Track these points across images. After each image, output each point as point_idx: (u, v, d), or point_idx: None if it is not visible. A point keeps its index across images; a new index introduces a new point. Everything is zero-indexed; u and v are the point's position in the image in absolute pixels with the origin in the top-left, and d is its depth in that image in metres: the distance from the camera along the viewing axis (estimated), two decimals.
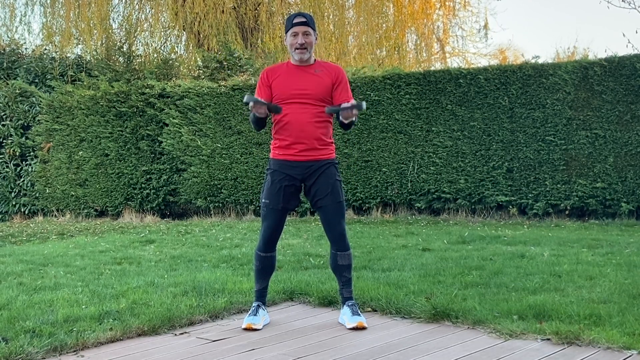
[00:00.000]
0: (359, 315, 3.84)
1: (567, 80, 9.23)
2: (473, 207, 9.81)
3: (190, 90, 11.19)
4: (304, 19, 3.81)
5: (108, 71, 12.75)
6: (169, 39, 16.17)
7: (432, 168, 9.93)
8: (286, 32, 3.86)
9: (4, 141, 12.94)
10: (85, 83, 12.57)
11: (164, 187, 11.43)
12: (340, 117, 3.76)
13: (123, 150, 11.60)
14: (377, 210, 10.24)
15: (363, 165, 10.28)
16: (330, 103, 3.86)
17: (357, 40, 16.22)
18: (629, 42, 30.00)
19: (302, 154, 3.82)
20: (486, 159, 9.67)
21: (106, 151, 11.69)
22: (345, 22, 15.50)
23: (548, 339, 3.40)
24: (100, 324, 3.77)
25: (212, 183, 10.99)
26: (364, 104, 3.71)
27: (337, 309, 4.16)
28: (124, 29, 15.14)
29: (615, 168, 9.02)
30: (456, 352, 3.31)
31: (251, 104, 3.66)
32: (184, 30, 15.50)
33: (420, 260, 5.69)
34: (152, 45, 15.53)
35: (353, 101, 3.76)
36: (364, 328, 3.76)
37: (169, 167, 11.39)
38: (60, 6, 14.69)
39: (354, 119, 3.78)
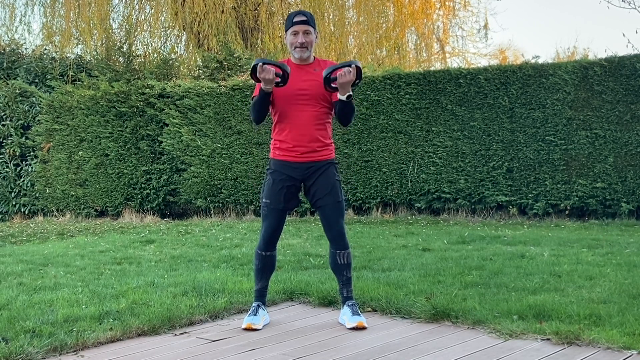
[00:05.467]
0: (359, 315, 3.84)
1: (567, 80, 9.23)
2: (473, 207, 9.81)
3: (190, 90, 11.19)
4: (304, 18, 3.81)
5: (108, 71, 12.74)
6: (169, 39, 16.19)
7: (432, 168, 9.93)
8: (286, 31, 3.85)
9: (4, 141, 12.93)
10: (85, 83, 12.56)
11: (164, 187, 11.43)
12: (339, 94, 3.69)
13: (123, 150, 11.60)
14: (377, 210, 10.24)
15: (363, 165, 10.28)
16: (329, 102, 3.86)
17: (357, 40, 16.21)
18: (629, 42, 30.01)
19: (302, 156, 3.82)
20: (486, 159, 9.67)
21: (106, 151, 11.69)
22: (345, 22, 15.49)
23: (548, 339, 3.40)
24: (100, 324, 3.77)
25: (212, 183, 10.99)
26: (355, 63, 3.63)
27: (337, 309, 4.16)
28: (124, 29, 15.12)
29: (615, 168, 9.02)
30: (456, 352, 3.31)
31: (260, 65, 3.57)
32: (184, 30, 15.50)
33: (420, 260, 5.69)
34: (152, 45, 15.53)
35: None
36: (364, 328, 3.75)
37: (169, 167, 11.39)
38: (60, 6, 14.69)
39: (351, 94, 3.69)
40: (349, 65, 3.64)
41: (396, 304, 4.07)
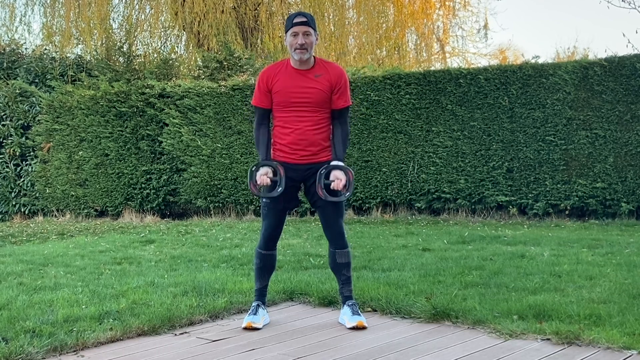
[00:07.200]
0: (359, 315, 3.84)
1: (567, 80, 9.23)
2: (473, 207, 9.81)
3: (190, 90, 11.19)
4: (304, 19, 3.79)
5: (108, 71, 12.74)
6: (169, 39, 16.19)
7: (432, 168, 9.93)
8: (286, 32, 3.84)
9: (4, 141, 12.93)
10: (85, 83, 12.56)
11: (164, 187, 11.43)
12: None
13: (123, 150, 11.59)
14: (377, 210, 10.24)
15: (363, 165, 10.28)
16: (329, 108, 3.86)
17: (357, 40, 16.21)
18: (629, 42, 29.97)
19: (302, 159, 3.84)
20: (486, 159, 9.67)
21: (106, 151, 11.69)
22: (345, 22, 15.49)
23: (548, 339, 3.40)
24: (100, 324, 3.77)
25: (212, 183, 10.99)
26: (344, 196, 3.77)
27: (337, 309, 4.16)
28: (124, 29, 15.13)
29: (615, 168, 9.02)
30: (456, 352, 3.31)
31: (252, 185, 3.82)
32: (184, 30, 15.50)
33: (420, 260, 5.69)
34: (152, 45, 15.54)
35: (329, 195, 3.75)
36: (364, 328, 3.76)
37: (169, 167, 11.39)
38: (60, 6, 14.69)
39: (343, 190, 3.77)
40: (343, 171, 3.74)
41: (396, 304, 4.07)
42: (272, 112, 3.89)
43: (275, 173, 3.77)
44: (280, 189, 3.75)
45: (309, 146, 3.81)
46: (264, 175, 3.74)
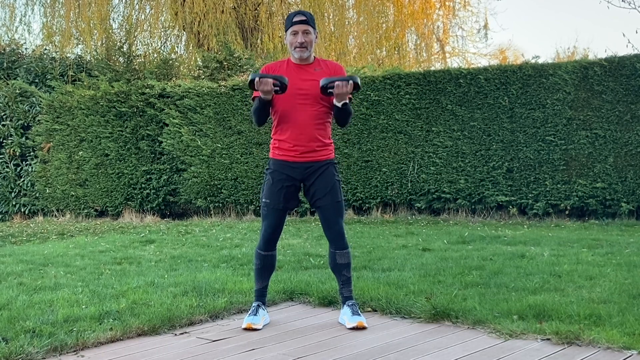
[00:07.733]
0: (359, 315, 3.84)
1: (567, 80, 9.23)
2: (473, 207, 9.81)
3: (190, 90, 11.19)
4: (304, 18, 3.82)
5: (108, 71, 12.74)
6: (169, 39, 16.19)
7: (432, 168, 9.93)
8: (286, 31, 3.86)
9: (4, 141, 12.93)
10: (85, 83, 12.56)
11: (164, 187, 11.43)
12: (335, 101, 3.73)
13: (123, 150, 11.60)
14: (377, 210, 10.24)
15: (363, 165, 10.28)
16: (329, 102, 3.86)
17: (357, 40, 16.22)
18: (629, 42, 30.06)
19: (302, 155, 3.83)
20: (486, 159, 9.67)
21: (106, 151, 11.69)
22: (345, 22, 15.50)
23: (548, 339, 3.40)
24: (100, 324, 3.77)
25: (212, 183, 10.99)
26: (354, 79, 3.65)
27: (337, 309, 4.16)
28: (124, 29, 15.13)
29: (615, 168, 9.02)
30: (456, 352, 3.31)
31: (257, 79, 3.63)
32: (184, 30, 15.51)
33: (420, 260, 5.69)
34: (152, 45, 15.54)
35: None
36: (364, 328, 3.76)
37: (169, 167, 11.39)
38: (60, 6, 14.70)
39: (348, 102, 3.74)
40: (347, 80, 3.66)
41: (396, 304, 4.06)
42: (272, 108, 3.88)
43: (279, 83, 3.68)
44: (281, 92, 3.66)
45: (308, 141, 3.81)
46: (266, 79, 3.64)
